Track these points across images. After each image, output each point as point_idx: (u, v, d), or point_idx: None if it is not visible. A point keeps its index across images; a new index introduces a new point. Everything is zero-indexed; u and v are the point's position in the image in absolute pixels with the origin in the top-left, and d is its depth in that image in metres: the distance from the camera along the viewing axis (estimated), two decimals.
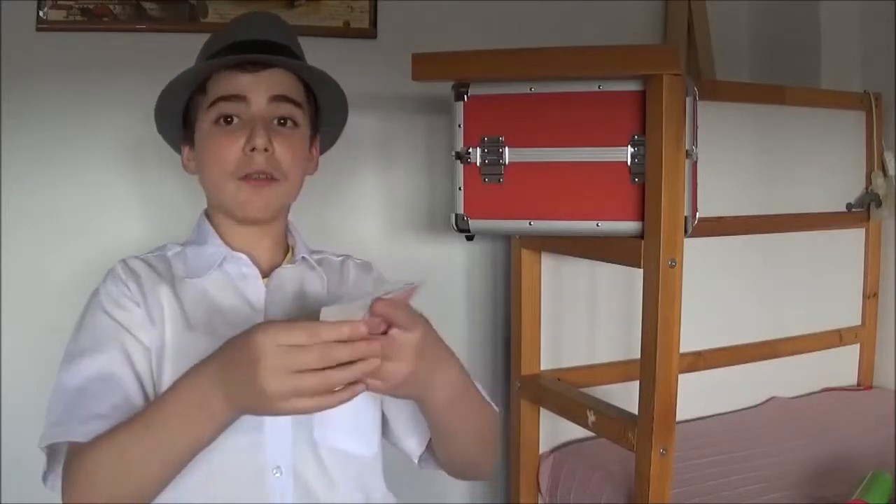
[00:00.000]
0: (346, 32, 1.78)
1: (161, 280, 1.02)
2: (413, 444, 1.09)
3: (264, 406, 0.77)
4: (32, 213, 1.59)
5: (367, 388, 0.82)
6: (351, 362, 0.77)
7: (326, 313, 0.78)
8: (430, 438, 1.08)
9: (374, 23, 1.81)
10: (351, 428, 1.03)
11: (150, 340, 0.97)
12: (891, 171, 2.07)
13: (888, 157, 2.08)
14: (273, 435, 0.96)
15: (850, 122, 2.08)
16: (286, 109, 1.03)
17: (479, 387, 1.08)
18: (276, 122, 1.02)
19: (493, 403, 1.10)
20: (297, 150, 1.04)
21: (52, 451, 0.94)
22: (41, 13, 1.55)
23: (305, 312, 1.04)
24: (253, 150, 0.99)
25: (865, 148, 2.11)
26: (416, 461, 1.11)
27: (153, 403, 0.87)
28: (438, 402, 0.94)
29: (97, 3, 1.59)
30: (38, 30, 1.56)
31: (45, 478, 0.95)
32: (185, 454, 0.85)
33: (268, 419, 0.96)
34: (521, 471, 1.75)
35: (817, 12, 2.16)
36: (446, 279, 1.94)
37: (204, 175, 1.06)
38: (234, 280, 1.05)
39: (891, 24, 2.04)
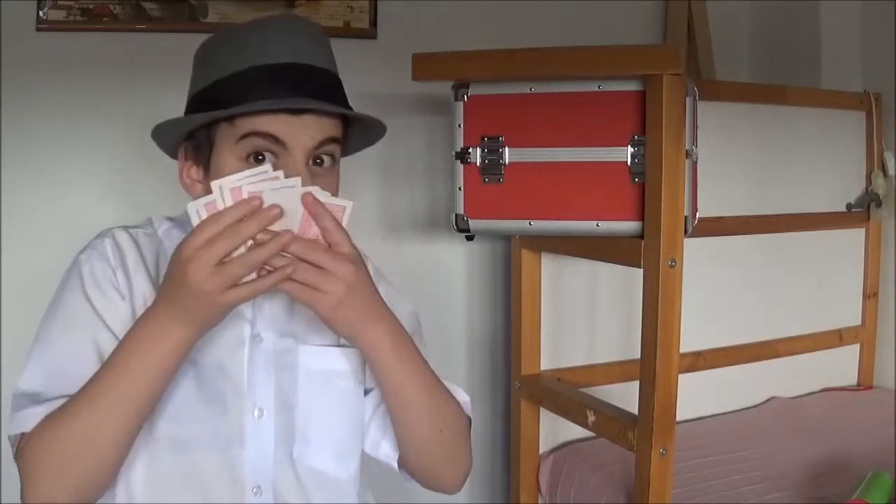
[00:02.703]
0: (346, 32, 1.78)
1: (145, 269, 0.96)
2: (388, 448, 1.04)
3: (210, 308, 0.80)
4: (32, 213, 1.59)
5: (312, 305, 0.83)
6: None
7: (217, 182, 0.81)
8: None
9: (374, 23, 1.81)
10: (331, 448, 1.00)
11: None
12: (891, 171, 2.07)
13: (888, 157, 2.08)
14: (254, 452, 0.94)
15: (850, 122, 2.08)
16: (327, 149, 0.93)
17: (450, 385, 1.04)
18: (313, 161, 0.93)
19: (464, 408, 1.05)
20: (333, 188, 0.95)
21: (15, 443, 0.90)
22: (41, 13, 1.55)
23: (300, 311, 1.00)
24: None
25: (865, 148, 2.11)
26: (395, 466, 1.06)
27: (110, 357, 0.85)
28: (384, 355, 0.91)
29: (97, 3, 1.59)
30: (38, 30, 1.56)
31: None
32: (151, 394, 0.85)
33: (249, 437, 0.94)
34: (521, 471, 1.75)
35: (817, 12, 2.16)
36: (446, 279, 1.94)
37: None
38: None
39: (891, 24, 2.04)
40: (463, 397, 1.07)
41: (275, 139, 0.88)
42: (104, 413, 0.83)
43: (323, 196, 0.84)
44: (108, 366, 0.85)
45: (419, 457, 1.02)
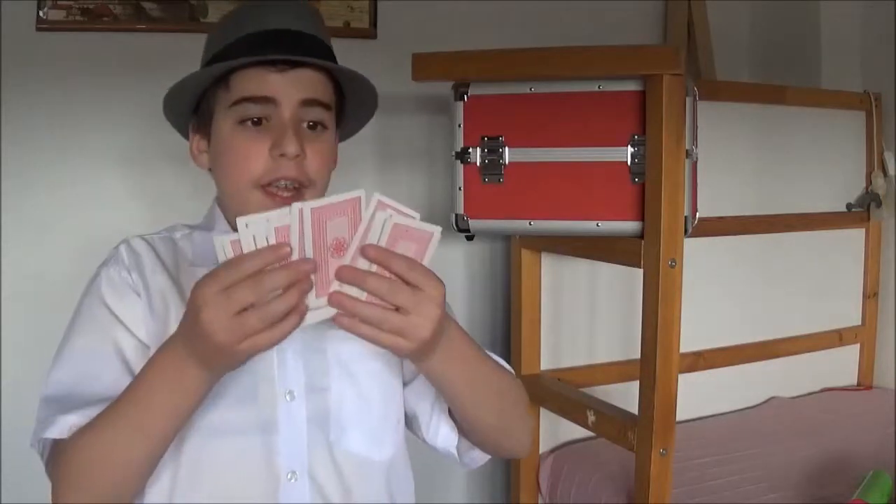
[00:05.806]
0: (346, 32, 1.78)
1: (163, 268, 0.97)
2: (446, 434, 1.03)
3: (225, 357, 0.76)
4: (32, 213, 1.58)
5: (392, 350, 0.79)
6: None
7: (243, 223, 0.74)
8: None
9: (374, 23, 1.81)
10: (367, 430, 0.98)
11: (149, 336, 0.94)
12: (891, 171, 2.07)
13: (888, 157, 2.08)
14: (288, 437, 0.93)
15: (850, 122, 2.09)
16: (317, 114, 0.95)
17: (494, 356, 1.03)
18: (305, 125, 0.95)
19: (510, 369, 1.04)
20: (326, 155, 0.98)
21: (46, 447, 0.91)
22: (41, 13, 1.55)
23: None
24: (282, 155, 0.92)
25: (865, 148, 2.11)
26: (456, 455, 1.04)
27: (132, 383, 0.85)
28: (454, 373, 0.89)
29: (97, 3, 1.59)
30: (38, 30, 1.56)
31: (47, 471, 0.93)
32: (168, 430, 0.84)
33: (282, 421, 0.93)
34: (521, 471, 1.75)
35: (817, 12, 2.16)
36: (446, 279, 1.92)
37: (223, 179, 0.99)
38: None
39: (891, 24, 2.04)
40: (502, 361, 1.05)
41: (265, 99, 0.92)
42: (128, 436, 0.83)
43: (407, 220, 0.78)
44: (132, 390, 0.84)
45: (485, 439, 1.01)
